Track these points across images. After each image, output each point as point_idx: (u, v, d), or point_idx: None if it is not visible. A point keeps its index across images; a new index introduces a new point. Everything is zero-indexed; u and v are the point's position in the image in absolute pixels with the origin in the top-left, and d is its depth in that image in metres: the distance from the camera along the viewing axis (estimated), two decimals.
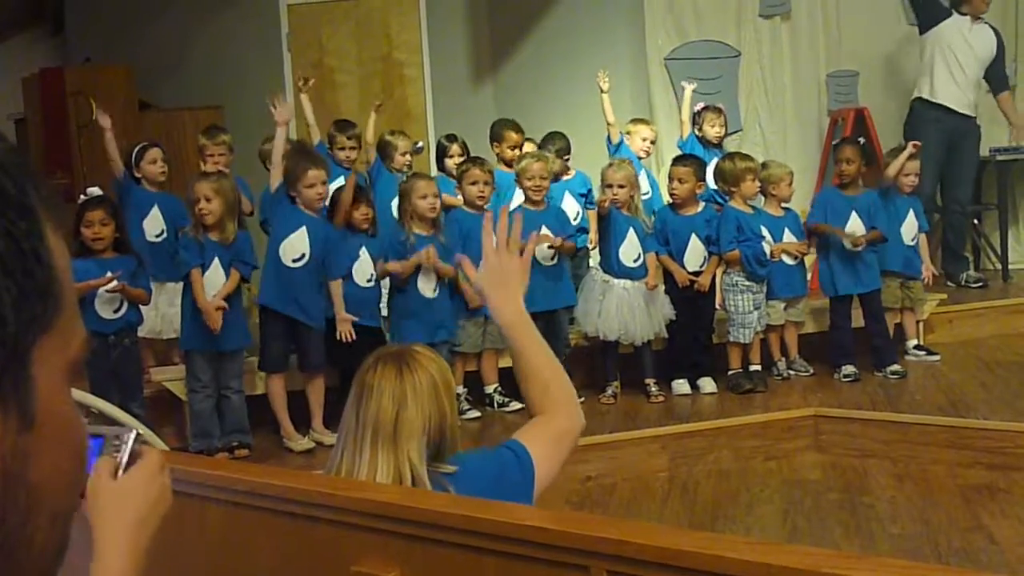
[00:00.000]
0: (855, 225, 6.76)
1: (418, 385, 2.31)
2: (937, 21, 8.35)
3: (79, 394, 2.84)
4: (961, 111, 8.31)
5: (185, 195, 6.01)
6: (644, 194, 7.35)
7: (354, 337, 5.99)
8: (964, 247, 8.68)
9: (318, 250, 5.97)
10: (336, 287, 6.04)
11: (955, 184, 8.40)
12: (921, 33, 8.47)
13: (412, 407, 2.29)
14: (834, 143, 7.22)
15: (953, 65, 8.29)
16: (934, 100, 8.32)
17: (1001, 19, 9.07)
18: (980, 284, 8.29)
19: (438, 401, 2.33)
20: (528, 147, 7.26)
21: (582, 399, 6.41)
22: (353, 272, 6.12)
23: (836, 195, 6.90)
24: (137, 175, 6.64)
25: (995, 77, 8.52)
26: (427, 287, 6.15)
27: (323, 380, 6.07)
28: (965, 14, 8.31)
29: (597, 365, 6.84)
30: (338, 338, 5.97)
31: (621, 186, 6.49)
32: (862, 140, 7.25)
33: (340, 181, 6.66)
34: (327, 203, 6.17)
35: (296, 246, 5.94)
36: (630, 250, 6.50)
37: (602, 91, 7.32)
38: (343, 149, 7.01)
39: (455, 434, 2.38)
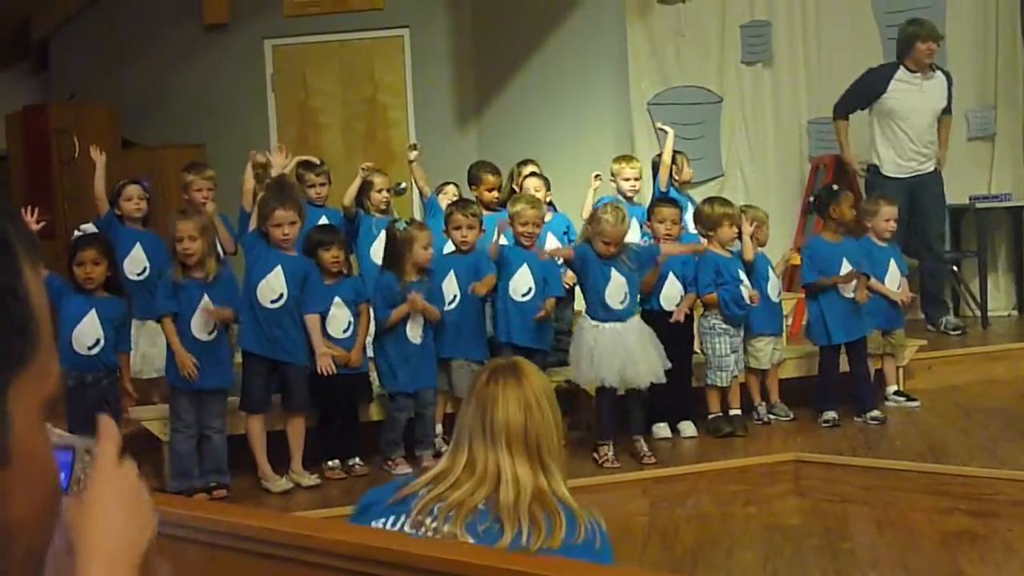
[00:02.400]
0: (847, 272, 6.76)
1: (539, 393, 2.53)
2: (878, 94, 8.30)
3: (58, 433, 2.82)
4: (914, 175, 8.28)
5: (167, 233, 5.97)
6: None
7: (334, 371, 5.97)
8: (942, 292, 8.68)
9: (295, 288, 5.94)
10: (312, 321, 6.01)
11: (923, 233, 8.38)
12: (866, 108, 8.43)
13: (537, 413, 2.50)
14: (834, 187, 7.16)
15: (899, 134, 8.26)
16: (888, 174, 8.28)
17: (982, 67, 9.16)
18: (958, 332, 8.28)
19: (553, 409, 2.55)
20: (536, 181, 7.31)
21: (563, 443, 6.40)
22: (327, 324, 6.09)
23: (823, 244, 6.89)
24: (118, 212, 6.64)
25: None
26: (415, 333, 6.13)
27: (303, 420, 6.04)
28: (912, 70, 8.23)
29: (576, 408, 6.84)
30: (319, 372, 5.94)
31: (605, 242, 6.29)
32: (836, 186, 7.23)
33: (323, 221, 6.66)
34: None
35: (273, 287, 5.91)
36: (616, 292, 6.25)
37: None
38: (312, 186, 6.99)
39: (561, 444, 2.59)
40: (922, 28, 8.20)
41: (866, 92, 8.31)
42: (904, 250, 7.54)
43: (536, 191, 7.19)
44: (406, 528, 2.35)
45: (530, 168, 7.48)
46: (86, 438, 1.34)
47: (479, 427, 2.50)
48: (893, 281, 7.00)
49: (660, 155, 7.62)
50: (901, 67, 8.24)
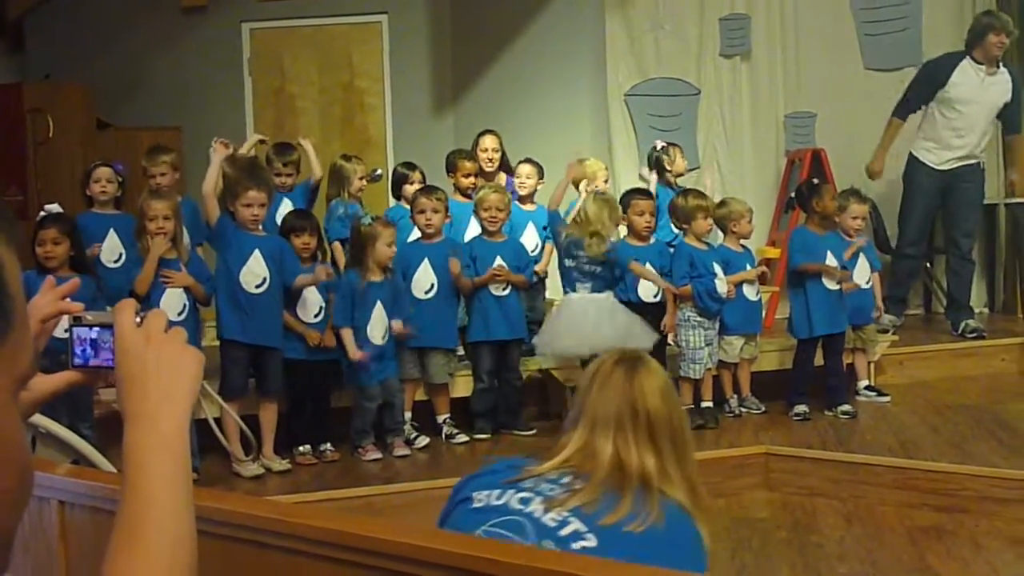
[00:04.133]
0: (831, 264, 6.78)
1: (669, 384, 2.50)
2: (941, 83, 8.08)
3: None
4: (951, 168, 8.11)
5: (137, 212, 5.93)
6: None
7: (320, 343, 6.04)
8: (967, 295, 8.45)
9: (276, 270, 5.93)
10: (301, 281, 6.02)
11: (951, 229, 8.32)
12: (931, 101, 8.18)
13: (677, 404, 2.49)
14: (814, 181, 7.17)
15: (946, 124, 8.09)
16: (926, 164, 8.14)
17: None
18: (974, 335, 8.10)
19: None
20: (528, 168, 7.33)
21: (533, 432, 6.43)
22: (298, 309, 6.08)
23: (810, 235, 6.86)
24: (88, 193, 6.55)
25: (1007, 120, 8.31)
26: (376, 335, 6.11)
27: (276, 406, 6.03)
28: (979, 61, 8.06)
29: (552, 397, 6.86)
30: (311, 344, 6.00)
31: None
32: (815, 180, 7.26)
33: (288, 205, 6.61)
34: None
35: (256, 272, 5.88)
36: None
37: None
38: (279, 175, 6.90)
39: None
40: (996, 20, 8.08)
41: (930, 83, 8.16)
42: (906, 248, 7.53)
43: (528, 178, 7.22)
44: (532, 506, 2.24)
45: (490, 138, 7.47)
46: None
47: (627, 417, 2.39)
48: (863, 275, 7.03)
49: (655, 147, 7.62)
50: (967, 57, 8.10)
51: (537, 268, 7.00)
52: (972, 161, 8.20)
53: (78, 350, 1.53)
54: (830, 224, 6.88)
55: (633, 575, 1.79)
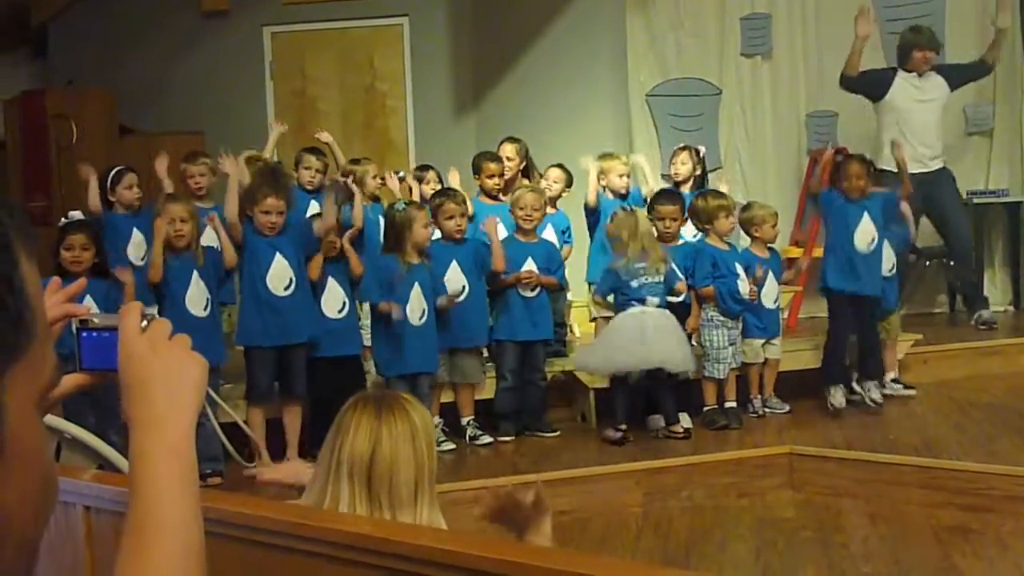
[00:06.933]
0: (867, 226, 6.73)
1: (394, 429, 2.37)
2: (887, 88, 8.20)
3: (55, 420, 2.81)
4: (921, 172, 8.01)
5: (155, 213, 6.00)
6: None
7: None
8: (977, 288, 8.56)
9: (300, 267, 5.99)
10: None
11: (949, 232, 8.32)
12: (876, 101, 8.30)
13: (387, 448, 2.34)
14: (838, 159, 7.15)
15: (906, 130, 8.11)
16: (893, 170, 7.90)
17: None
18: (985, 327, 8.15)
19: (415, 447, 2.37)
20: (558, 172, 7.43)
21: (557, 433, 6.42)
22: (323, 303, 6.11)
23: (843, 200, 6.80)
24: (111, 198, 6.59)
25: (972, 67, 8.45)
26: (415, 315, 6.12)
27: (301, 410, 6.04)
28: (910, 71, 8.18)
29: (576, 399, 6.86)
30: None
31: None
32: (840, 157, 7.23)
33: (315, 207, 6.63)
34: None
35: (281, 276, 5.93)
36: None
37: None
38: (308, 168, 7.07)
39: (431, 481, 2.40)
40: (920, 36, 8.18)
41: (871, 86, 8.24)
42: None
43: (556, 182, 7.30)
44: None
45: (508, 146, 7.54)
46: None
47: (327, 457, 2.45)
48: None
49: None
50: (899, 70, 8.20)
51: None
52: (939, 165, 8.24)
53: (86, 353, 1.54)
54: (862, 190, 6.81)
55: (632, 573, 1.80)
